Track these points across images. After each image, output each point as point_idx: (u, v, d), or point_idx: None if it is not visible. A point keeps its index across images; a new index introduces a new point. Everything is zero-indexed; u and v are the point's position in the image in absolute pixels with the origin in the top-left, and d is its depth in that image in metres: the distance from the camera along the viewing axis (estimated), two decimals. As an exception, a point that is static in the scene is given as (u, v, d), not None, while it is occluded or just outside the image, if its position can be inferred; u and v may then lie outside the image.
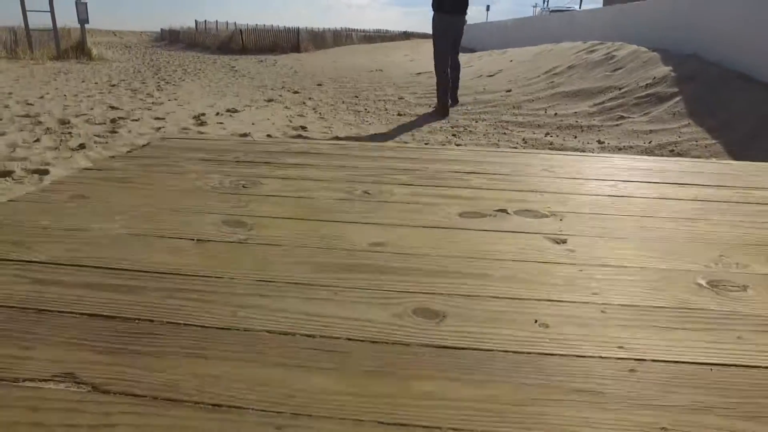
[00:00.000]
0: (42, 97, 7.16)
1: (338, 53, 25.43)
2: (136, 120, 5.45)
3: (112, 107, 6.29)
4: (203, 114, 5.92)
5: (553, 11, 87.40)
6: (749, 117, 4.01)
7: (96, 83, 9.35)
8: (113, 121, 5.35)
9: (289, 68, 14.46)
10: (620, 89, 5.32)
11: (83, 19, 16.62)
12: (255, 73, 12.97)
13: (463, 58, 7.62)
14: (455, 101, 6.44)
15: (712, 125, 4.07)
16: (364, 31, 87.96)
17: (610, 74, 5.77)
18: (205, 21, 41.20)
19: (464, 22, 6.11)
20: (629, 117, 4.66)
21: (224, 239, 1.13)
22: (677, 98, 4.70)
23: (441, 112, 6.06)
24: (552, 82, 6.39)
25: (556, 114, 5.21)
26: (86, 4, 16.61)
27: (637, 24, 7.42)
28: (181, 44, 29.99)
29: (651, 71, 5.33)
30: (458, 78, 6.39)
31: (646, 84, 5.11)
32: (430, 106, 6.49)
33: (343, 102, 7.27)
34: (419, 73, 11.19)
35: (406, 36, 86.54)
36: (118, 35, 57.79)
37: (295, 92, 8.46)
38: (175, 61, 17.01)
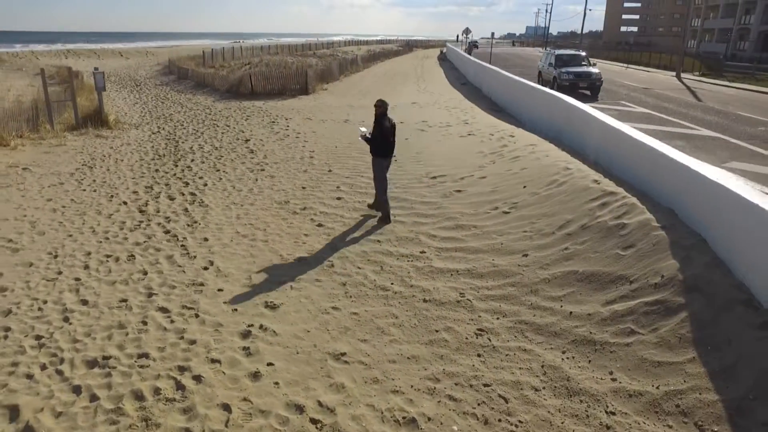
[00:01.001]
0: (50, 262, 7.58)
1: (347, 94, 25.73)
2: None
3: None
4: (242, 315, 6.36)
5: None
6: (754, 363, 4.36)
7: (117, 212, 9.72)
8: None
9: (303, 141, 14.78)
10: (630, 282, 5.68)
11: (101, 88, 17.08)
12: (271, 156, 13.30)
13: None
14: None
15: (714, 369, 4.43)
16: (366, 42, 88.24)
17: (622, 254, 6.13)
18: (212, 50, 41.61)
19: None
20: (639, 333, 5.02)
21: None
22: (683, 314, 5.07)
23: (385, 220, 8.49)
24: (566, 250, 6.74)
25: (571, 313, 5.57)
26: (103, 73, 17.10)
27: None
28: (190, 82, 30.34)
29: (660, 263, 5.68)
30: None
31: (655, 284, 5.47)
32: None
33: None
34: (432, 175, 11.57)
35: (409, 47, 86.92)
36: (125, 55, 58.26)
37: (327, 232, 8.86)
38: (190, 125, 17.35)
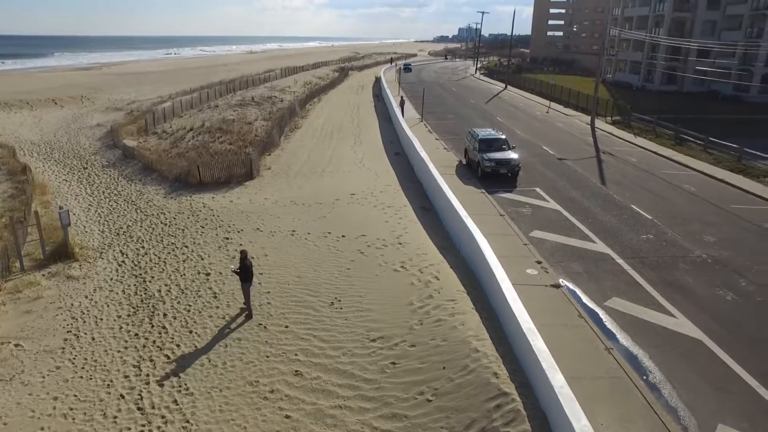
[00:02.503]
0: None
1: (288, 175, 27.65)
2: None
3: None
4: None
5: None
6: None
7: (119, 412, 11.72)
8: None
9: (258, 270, 16.79)
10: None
11: (66, 225, 18.71)
12: (233, 303, 15.39)
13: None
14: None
15: None
16: (302, 68, 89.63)
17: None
18: (154, 113, 42.63)
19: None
20: None
21: None
22: None
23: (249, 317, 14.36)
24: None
25: None
26: (68, 211, 18.71)
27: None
28: (137, 164, 31.64)
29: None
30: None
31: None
32: None
33: None
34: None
35: (344, 72, 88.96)
36: (59, 103, 57.92)
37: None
38: (151, 249, 19.11)
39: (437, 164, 25.74)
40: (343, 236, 19.60)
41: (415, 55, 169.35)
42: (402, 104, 44.94)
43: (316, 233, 20.07)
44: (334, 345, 13.17)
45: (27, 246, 19.38)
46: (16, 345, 13.85)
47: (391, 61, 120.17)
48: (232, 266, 15.59)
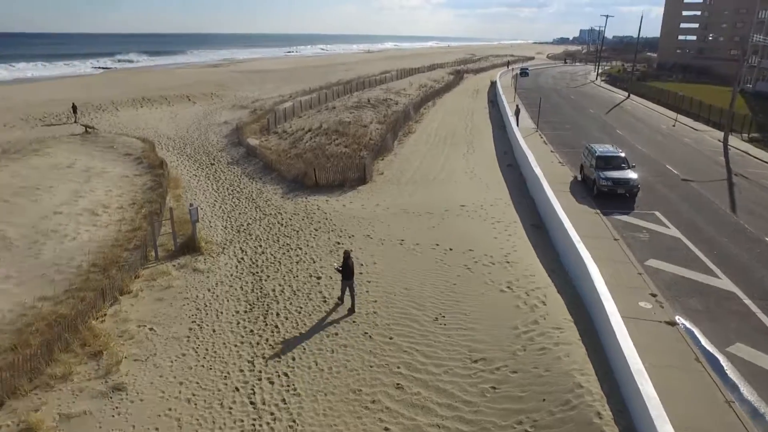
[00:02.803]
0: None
1: (400, 181, 28.11)
2: None
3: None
4: None
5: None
6: None
7: (234, 404, 12.70)
8: None
9: (366, 279, 17.42)
10: None
11: (194, 221, 20.33)
12: (341, 308, 16.09)
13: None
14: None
15: None
16: (418, 69, 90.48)
17: None
18: (275, 112, 44.96)
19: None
20: None
21: None
22: None
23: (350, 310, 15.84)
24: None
25: None
26: (197, 208, 20.32)
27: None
28: (259, 163, 33.57)
29: None
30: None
31: None
32: None
33: None
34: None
35: (460, 76, 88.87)
36: (191, 99, 62.34)
37: None
38: (267, 248, 20.32)
39: (551, 179, 25.20)
40: (450, 249, 19.77)
41: (533, 58, 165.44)
42: (517, 113, 44.23)
43: (424, 244, 20.39)
44: (436, 362, 13.40)
45: (161, 237, 21.26)
46: (151, 329, 15.37)
47: (508, 64, 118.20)
48: (336, 264, 17.73)
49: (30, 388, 12.75)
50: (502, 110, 49.35)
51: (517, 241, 20.27)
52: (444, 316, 15.35)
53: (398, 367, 13.32)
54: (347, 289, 16.05)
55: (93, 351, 14.05)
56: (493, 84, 72.74)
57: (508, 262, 18.33)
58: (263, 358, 14.01)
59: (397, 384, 12.69)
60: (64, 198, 25.51)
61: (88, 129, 41.78)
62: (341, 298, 16.44)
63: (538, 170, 25.85)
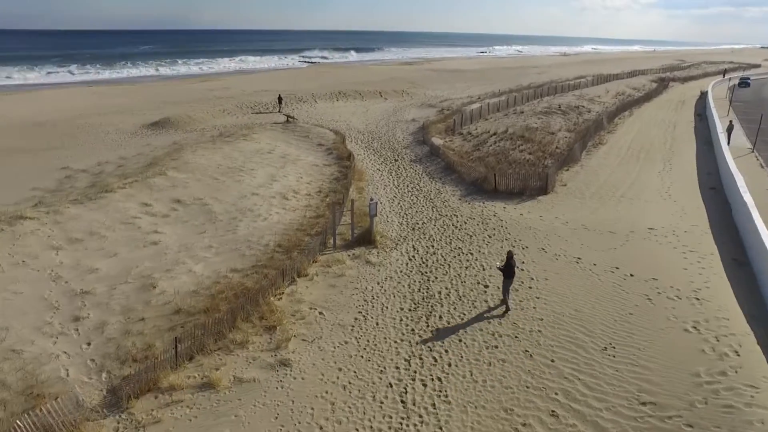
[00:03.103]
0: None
1: (584, 195, 26.59)
2: None
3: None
4: None
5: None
6: None
7: (385, 399, 13.03)
8: None
9: (524, 295, 16.82)
10: None
11: (372, 215, 21.15)
12: (504, 321, 15.70)
13: None
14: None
15: None
16: (615, 76, 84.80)
17: None
18: (462, 113, 45.13)
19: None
20: None
21: None
22: None
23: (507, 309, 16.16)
24: None
25: None
26: (376, 203, 21.12)
27: None
28: (441, 162, 33.97)
29: None
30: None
31: None
32: None
33: None
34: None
35: (664, 84, 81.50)
36: (383, 95, 65.02)
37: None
38: (438, 250, 20.49)
39: (764, 209, 21.98)
40: (631, 275, 18.25)
41: (759, 65, 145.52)
42: (730, 129, 39.28)
43: (602, 266, 19.08)
44: (599, 395, 12.47)
45: (340, 227, 22.51)
46: (320, 313, 16.37)
47: (724, 73, 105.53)
48: (498, 263, 17.51)
49: (214, 348, 14.34)
50: (711, 125, 44.19)
51: (711, 275, 18.05)
52: (614, 347, 14.20)
53: (556, 393, 12.62)
54: (507, 293, 16.29)
55: (268, 325, 15.37)
56: (703, 95, 65.46)
57: (697, 299, 16.40)
58: (420, 358, 14.16)
59: (552, 411, 12.03)
60: (262, 181, 28.23)
61: (289, 118, 45.71)
62: (503, 301, 16.45)
63: (747, 197, 22.70)
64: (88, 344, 14.38)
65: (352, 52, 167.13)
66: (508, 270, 15.93)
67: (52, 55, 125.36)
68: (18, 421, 10.87)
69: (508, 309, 16.18)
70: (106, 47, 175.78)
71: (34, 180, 28.83)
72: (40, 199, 25.18)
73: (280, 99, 53.49)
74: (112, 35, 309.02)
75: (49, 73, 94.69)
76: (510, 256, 16.11)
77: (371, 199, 21.63)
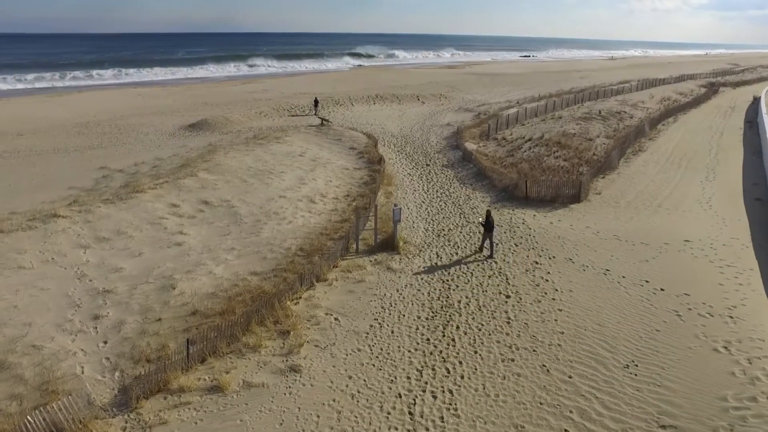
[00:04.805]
0: None
1: (619, 204, 25.71)
2: None
3: None
4: None
5: None
6: None
7: (393, 409, 12.74)
8: None
9: (557, 308, 16.29)
10: None
11: (396, 221, 20.89)
12: (523, 333, 15.21)
13: None
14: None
15: None
16: (662, 81, 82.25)
17: None
18: (497, 119, 44.47)
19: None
20: None
21: None
22: None
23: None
24: None
25: None
26: (400, 209, 20.86)
27: None
28: (473, 168, 33.49)
29: None
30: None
31: None
32: None
33: None
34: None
35: (714, 89, 78.54)
36: (421, 99, 64.63)
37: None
38: (463, 263, 20.10)
39: (809, 225, 20.83)
40: (662, 290, 17.48)
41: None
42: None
43: (631, 278, 18.35)
44: (616, 415, 11.90)
45: (364, 232, 22.33)
46: (336, 319, 16.20)
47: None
48: (480, 219, 21.92)
49: (227, 351, 14.34)
50: (762, 133, 42.23)
51: (749, 293, 17.11)
52: (637, 365, 13.57)
53: (570, 411, 12.11)
54: (487, 240, 20.31)
55: (282, 329, 15.30)
56: (756, 100, 62.76)
57: (731, 317, 15.56)
58: (433, 369, 13.84)
59: (565, 431, 11.52)
60: (290, 184, 28.32)
61: (324, 121, 45.86)
62: (480, 248, 20.68)
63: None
64: (105, 342, 14.58)
65: (410, 52, 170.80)
66: (487, 224, 19.99)
67: (102, 59, 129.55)
68: (29, 417, 11.03)
69: (491, 255, 20.19)
70: (153, 50, 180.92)
71: (72, 179, 29.68)
72: (75, 197, 25.83)
73: (316, 102, 53.80)
74: (161, 38, 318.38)
75: (98, 74, 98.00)
76: (488, 213, 20.40)
77: (395, 205, 21.41)
